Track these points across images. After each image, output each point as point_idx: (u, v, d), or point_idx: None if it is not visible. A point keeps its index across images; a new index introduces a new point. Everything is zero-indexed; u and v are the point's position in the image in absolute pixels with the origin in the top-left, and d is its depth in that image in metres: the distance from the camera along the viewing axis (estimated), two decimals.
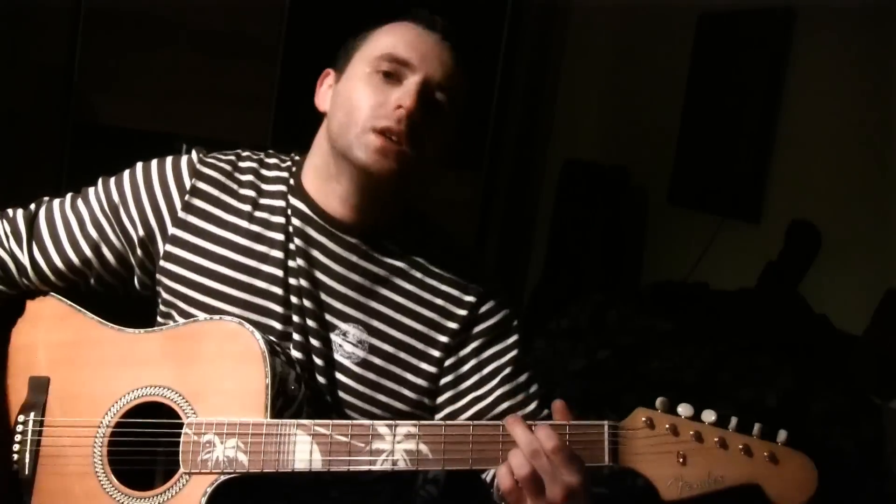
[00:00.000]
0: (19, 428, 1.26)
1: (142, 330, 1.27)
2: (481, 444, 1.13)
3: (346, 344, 1.27)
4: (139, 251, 1.30)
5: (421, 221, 1.35)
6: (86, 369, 1.26)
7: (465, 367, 1.30)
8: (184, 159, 1.32)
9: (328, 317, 1.28)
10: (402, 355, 1.29)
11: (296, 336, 1.26)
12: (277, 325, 1.27)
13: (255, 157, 1.36)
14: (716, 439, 1.08)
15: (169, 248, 1.29)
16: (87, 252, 1.30)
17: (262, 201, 1.31)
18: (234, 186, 1.31)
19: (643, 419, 1.11)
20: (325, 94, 1.32)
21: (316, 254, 1.28)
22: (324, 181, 1.29)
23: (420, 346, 1.29)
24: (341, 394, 1.27)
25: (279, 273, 1.27)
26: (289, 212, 1.29)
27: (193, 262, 1.29)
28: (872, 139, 2.86)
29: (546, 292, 4.04)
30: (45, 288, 1.32)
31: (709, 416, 1.10)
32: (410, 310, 1.29)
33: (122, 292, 1.35)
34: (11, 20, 3.34)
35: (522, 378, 1.31)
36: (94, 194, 1.33)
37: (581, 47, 4.35)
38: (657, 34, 3.92)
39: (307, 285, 1.27)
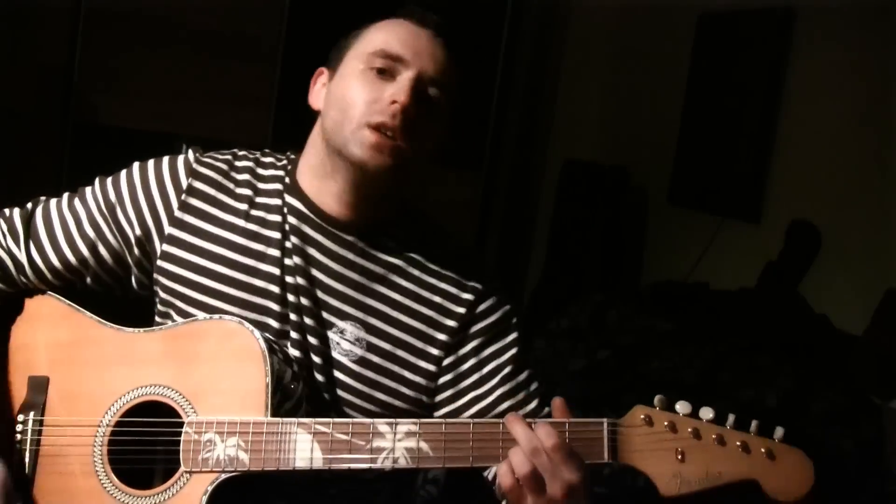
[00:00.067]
0: (19, 427, 1.26)
1: (141, 329, 1.27)
2: (482, 441, 1.13)
3: (344, 341, 1.27)
4: (136, 250, 1.31)
5: (419, 219, 1.35)
6: (85, 368, 1.26)
7: (465, 366, 1.30)
8: (180, 159, 1.33)
9: (325, 314, 1.28)
10: (401, 353, 1.29)
11: (293, 334, 1.27)
12: (275, 324, 1.27)
13: (251, 156, 1.36)
14: (714, 436, 1.09)
15: (166, 247, 1.29)
16: (84, 251, 1.31)
17: (259, 200, 1.31)
18: (231, 185, 1.31)
19: (641, 416, 1.12)
20: (319, 93, 1.32)
21: (312, 251, 1.28)
22: (319, 179, 1.29)
23: (418, 343, 1.29)
24: (339, 391, 1.27)
25: (276, 271, 1.27)
26: (285, 210, 1.30)
27: (191, 261, 1.29)
28: (872, 139, 2.86)
29: (546, 292, 4.04)
30: (42, 286, 1.33)
31: (706, 413, 1.10)
32: (408, 307, 1.29)
33: (119, 292, 1.35)
34: (11, 20, 3.34)
35: (522, 377, 1.31)
36: (91, 194, 1.33)
37: (581, 47, 4.35)
38: (657, 34, 3.91)
39: (304, 283, 1.27)
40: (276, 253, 1.28)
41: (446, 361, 1.30)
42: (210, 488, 1.15)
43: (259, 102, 3.73)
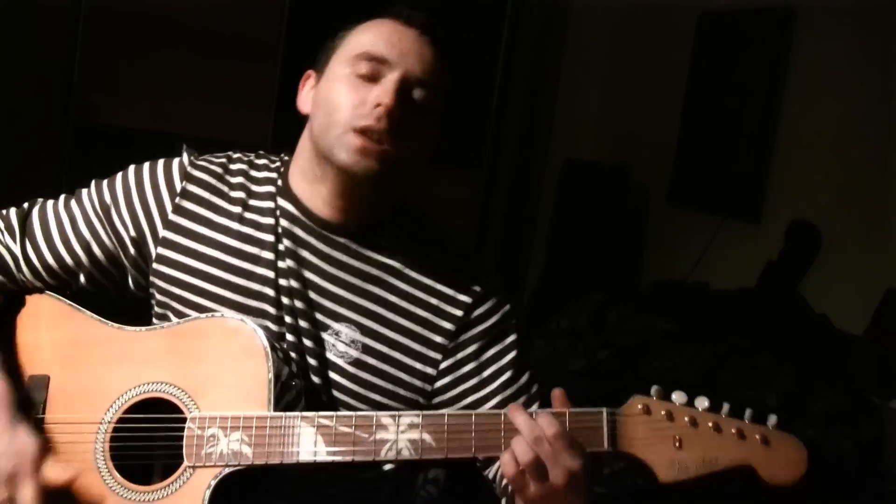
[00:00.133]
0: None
1: (142, 328, 1.27)
2: (484, 432, 1.14)
3: (339, 343, 1.27)
4: (131, 251, 1.30)
5: (417, 219, 1.34)
6: (86, 367, 1.26)
7: (464, 370, 1.30)
8: (175, 162, 1.32)
9: (319, 316, 1.27)
10: (397, 355, 1.28)
11: (289, 336, 1.26)
12: (272, 326, 1.26)
13: (245, 158, 1.35)
14: (710, 424, 1.12)
15: (161, 250, 1.29)
16: (79, 250, 1.31)
17: (252, 203, 1.30)
18: (225, 189, 1.31)
19: (639, 406, 1.14)
20: (307, 96, 1.31)
21: (305, 254, 1.28)
22: (309, 183, 1.28)
23: (415, 346, 1.29)
24: (336, 393, 1.27)
25: (270, 274, 1.27)
26: (277, 213, 1.29)
27: (186, 264, 1.29)
28: (872, 139, 2.86)
29: (546, 292, 4.04)
30: (38, 284, 1.33)
31: (702, 402, 1.14)
32: (404, 309, 1.29)
33: (114, 294, 1.35)
34: (11, 20, 3.35)
35: (523, 380, 1.31)
36: (86, 195, 1.33)
37: (581, 47, 4.35)
38: (657, 34, 3.92)
39: (297, 286, 1.26)
40: (269, 256, 1.28)
41: (444, 364, 1.30)
42: (213, 482, 1.16)
43: (259, 103, 3.73)
